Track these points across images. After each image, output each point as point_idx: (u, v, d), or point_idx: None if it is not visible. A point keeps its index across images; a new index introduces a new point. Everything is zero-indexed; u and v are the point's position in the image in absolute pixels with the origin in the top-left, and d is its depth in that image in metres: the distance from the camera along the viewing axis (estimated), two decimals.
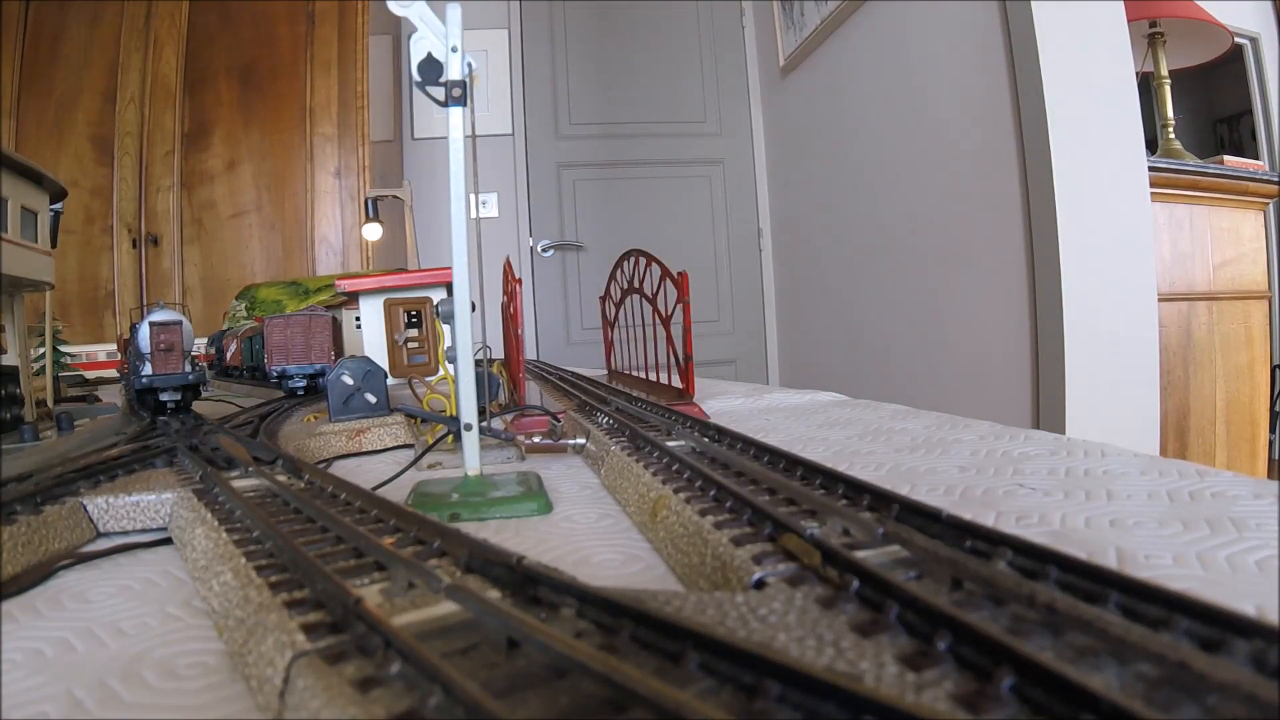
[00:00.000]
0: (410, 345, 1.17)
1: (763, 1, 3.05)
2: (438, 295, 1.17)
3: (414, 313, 1.18)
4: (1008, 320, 1.77)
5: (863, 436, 0.64)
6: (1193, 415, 1.63)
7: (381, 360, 1.09)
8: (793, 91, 2.88)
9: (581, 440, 0.59)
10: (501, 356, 0.91)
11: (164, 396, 0.73)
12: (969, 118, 1.86)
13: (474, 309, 0.50)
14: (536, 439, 0.61)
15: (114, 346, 1.79)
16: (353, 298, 1.19)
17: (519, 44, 3.13)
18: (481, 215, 2.44)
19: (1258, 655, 0.17)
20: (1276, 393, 1.91)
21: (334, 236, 2.67)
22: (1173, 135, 1.86)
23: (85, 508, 0.43)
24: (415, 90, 0.50)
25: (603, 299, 1.12)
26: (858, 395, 0.93)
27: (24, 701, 0.24)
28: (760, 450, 0.43)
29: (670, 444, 0.48)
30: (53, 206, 0.78)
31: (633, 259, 0.95)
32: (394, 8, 0.47)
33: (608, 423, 0.62)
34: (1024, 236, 1.70)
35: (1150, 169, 1.60)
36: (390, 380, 0.96)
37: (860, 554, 0.26)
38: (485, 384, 0.60)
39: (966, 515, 0.27)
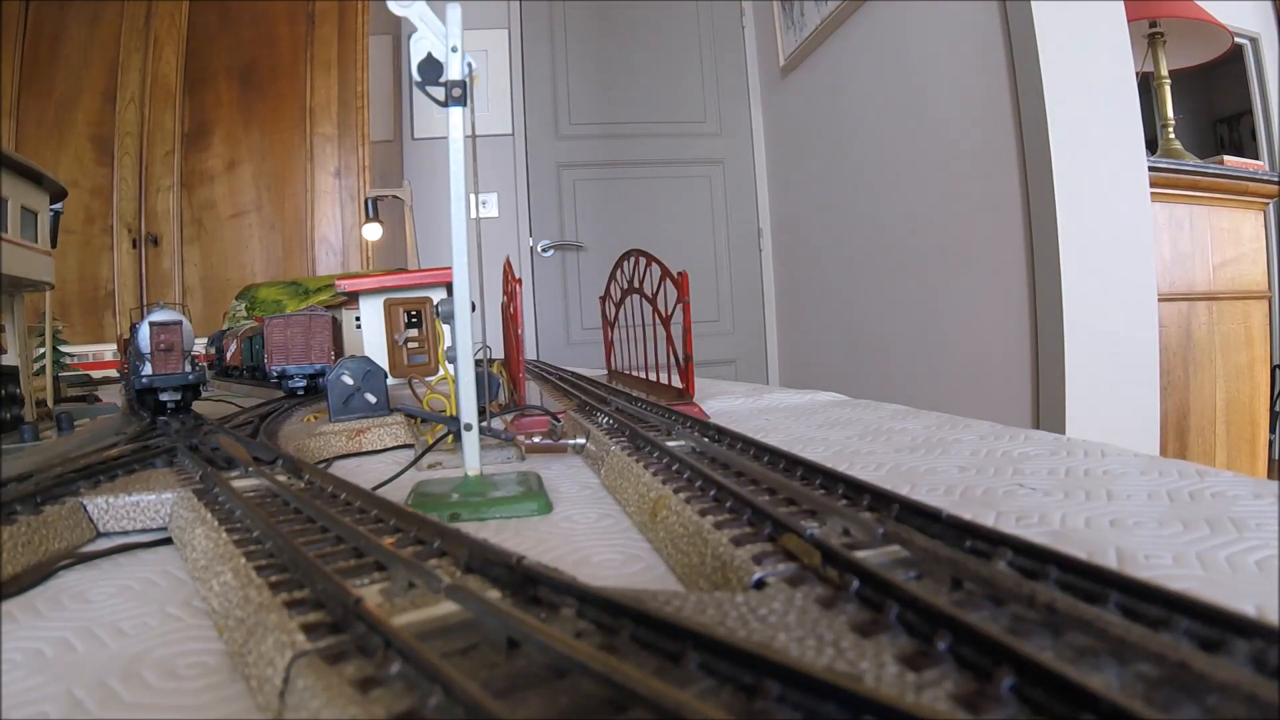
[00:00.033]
0: (410, 345, 1.17)
1: (763, 1, 3.05)
2: (438, 295, 1.17)
3: (414, 313, 1.18)
4: (1008, 320, 1.77)
5: (863, 436, 0.64)
6: (1193, 415, 1.63)
7: (381, 360, 1.09)
8: (793, 91, 2.88)
9: (581, 440, 0.59)
10: (501, 356, 0.91)
11: (164, 396, 0.73)
12: (969, 118, 1.86)
13: (474, 309, 0.50)
14: (536, 439, 0.61)
15: (114, 346, 1.79)
16: (353, 298, 1.19)
17: (519, 44, 3.13)
18: (481, 215, 2.44)
19: (1258, 655, 0.17)
20: (1276, 393, 1.91)
21: (334, 236, 2.67)
22: (1173, 135, 1.86)
23: (85, 508, 0.43)
24: (415, 90, 0.50)
25: (603, 299, 1.12)
26: (858, 395, 0.93)
27: (24, 701, 0.24)
28: (760, 450, 0.43)
29: (670, 444, 0.48)
30: (53, 206, 0.78)
31: (633, 259, 0.95)
32: (394, 8, 0.47)
33: (608, 423, 0.62)
34: (1024, 236, 1.70)
35: (1150, 169, 1.60)
36: (390, 380, 0.96)
37: (860, 554, 0.26)
38: (485, 384, 0.60)
39: (966, 515, 0.27)
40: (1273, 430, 1.85)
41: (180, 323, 0.73)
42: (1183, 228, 1.66)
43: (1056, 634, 0.19)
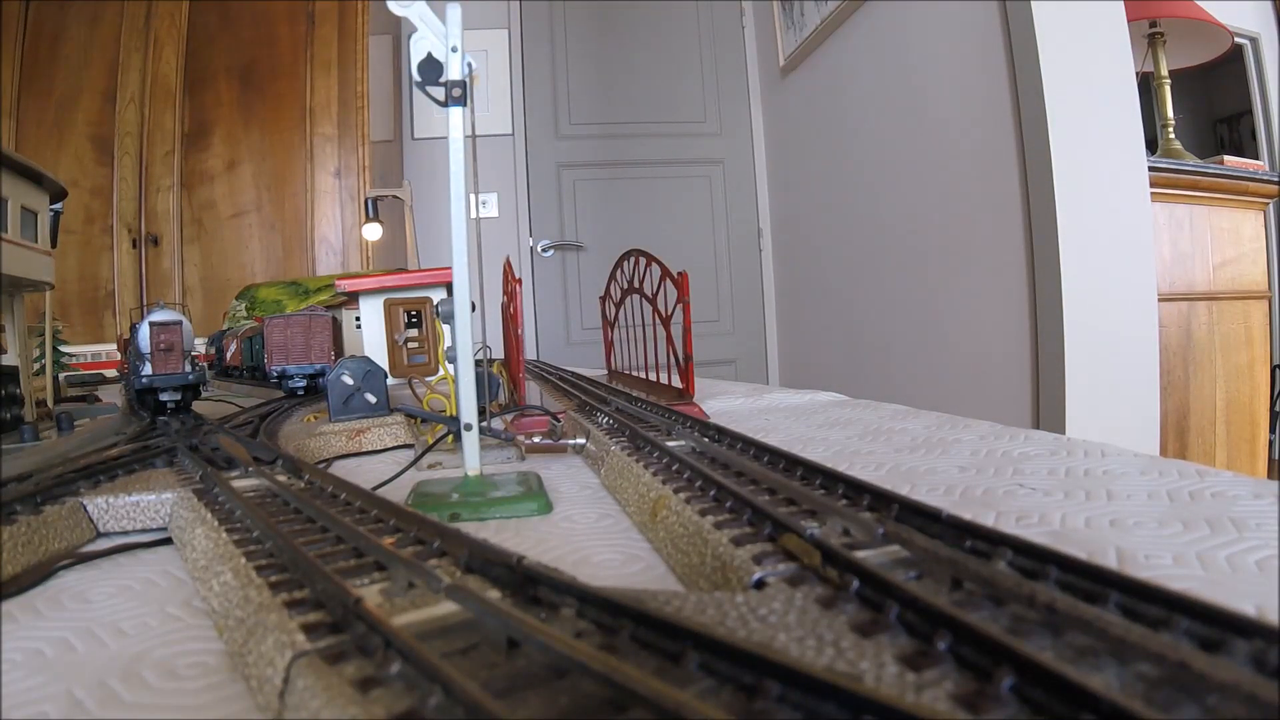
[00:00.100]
0: (410, 345, 1.17)
1: (763, 1, 3.05)
2: (438, 295, 1.17)
3: (414, 313, 1.18)
4: (1008, 320, 1.77)
5: (863, 436, 0.64)
6: (1193, 415, 1.63)
7: (381, 360, 1.09)
8: (793, 91, 2.88)
9: (581, 440, 0.59)
10: (501, 356, 0.91)
11: (164, 396, 0.73)
12: (969, 118, 1.86)
13: (474, 309, 0.50)
14: (536, 439, 0.61)
15: (114, 346, 1.79)
16: (353, 298, 1.19)
17: (519, 44, 3.13)
18: (481, 215, 2.44)
19: (1258, 655, 0.17)
20: (1276, 393, 1.91)
21: (334, 236, 2.67)
22: (1173, 135, 1.86)
23: (85, 508, 0.43)
24: (415, 90, 0.50)
25: (603, 299, 1.12)
26: (858, 395, 0.93)
27: (24, 701, 0.24)
28: (760, 450, 0.43)
29: (670, 444, 0.48)
30: (53, 206, 0.78)
31: (633, 259, 0.95)
32: (394, 8, 0.47)
33: (608, 423, 0.62)
34: (1024, 236, 1.70)
35: (1150, 169, 1.60)
36: (390, 380, 0.96)
37: (860, 554, 0.26)
38: (485, 384, 0.60)
39: (966, 515, 0.27)
40: (1273, 430, 1.85)
41: (180, 323, 0.73)
42: (1183, 228, 1.66)
43: (1056, 634, 0.19)
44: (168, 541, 0.41)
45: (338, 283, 1.21)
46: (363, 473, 0.59)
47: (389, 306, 1.16)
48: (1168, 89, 1.88)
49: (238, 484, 0.43)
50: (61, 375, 1.40)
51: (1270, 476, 0.71)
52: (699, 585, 0.31)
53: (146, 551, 0.40)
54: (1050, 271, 1.60)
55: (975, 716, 0.16)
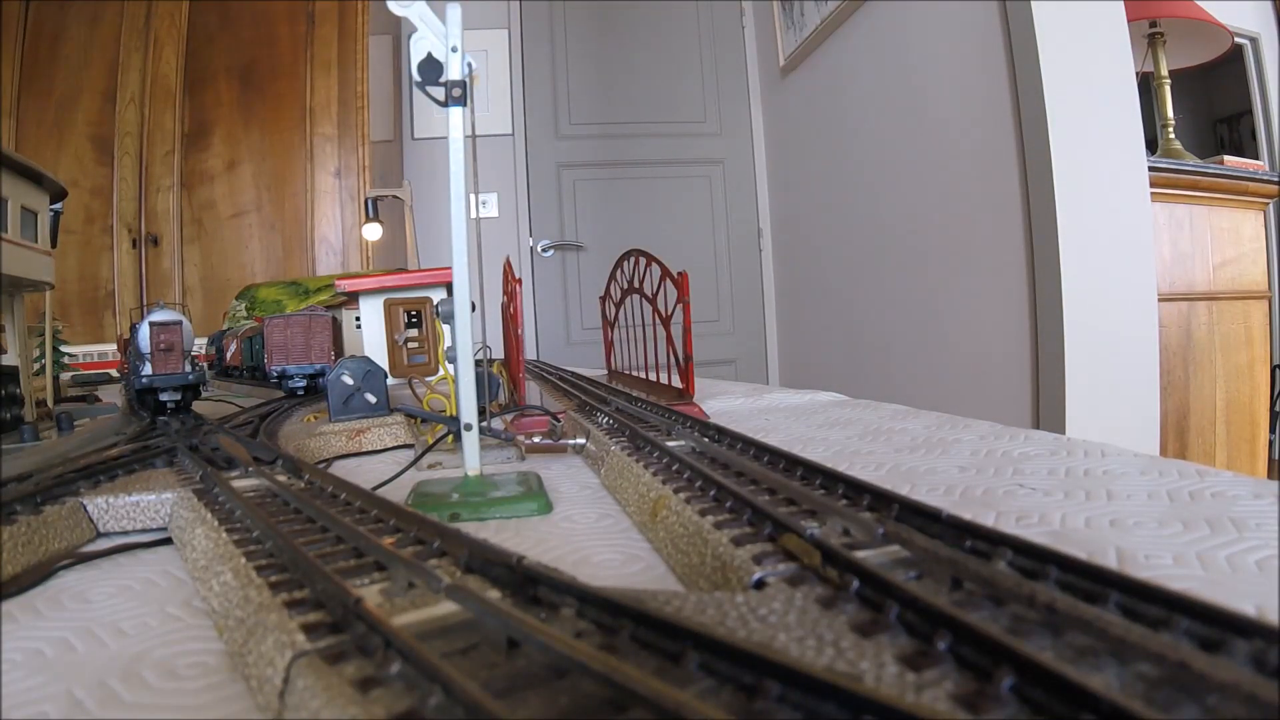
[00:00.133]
0: (410, 345, 1.17)
1: (763, 1, 3.05)
2: (438, 295, 1.17)
3: (414, 313, 1.18)
4: (1008, 320, 1.77)
5: (863, 436, 0.64)
6: (1193, 415, 1.63)
7: (381, 360, 1.09)
8: (793, 91, 2.88)
9: (581, 440, 0.59)
10: (501, 356, 0.91)
11: (164, 396, 0.73)
12: (969, 118, 1.86)
13: (474, 309, 0.50)
14: (536, 439, 0.61)
15: (115, 347, 1.79)
16: (353, 298, 1.19)
17: (519, 44, 3.13)
18: (481, 215, 2.44)
19: (1258, 655, 0.17)
20: (1276, 393, 1.91)
21: (334, 236, 2.67)
22: (1173, 135, 1.86)
23: (85, 508, 0.43)
24: (415, 90, 0.50)
25: (603, 299, 1.12)
26: (858, 395, 0.93)
27: (24, 701, 0.24)
28: (760, 450, 0.43)
29: (670, 444, 0.48)
30: (53, 206, 0.78)
31: (633, 259, 0.95)
32: (394, 8, 0.47)
33: (608, 423, 0.62)
34: (1024, 236, 1.70)
35: (1150, 169, 1.60)
36: (390, 380, 0.96)
37: (860, 554, 0.26)
38: (485, 384, 0.60)
39: (966, 515, 0.27)
40: (1273, 430, 1.85)
41: (180, 323, 0.73)
42: (1183, 228, 1.66)
43: (1056, 634, 0.19)
44: (168, 541, 0.41)
45: (338, 283, 1.21)
46: (363, 473, 0.59)
47: (389, 306, 1.16)
48: (1168, 89, 1.88)
49: (238, 484, 0.43)
50: (65, 375, 1.40)
51: (1270, 476, 0.71)
52: (699, 585, 0.31)
53: (146, 551, 0.40)
54: (1050, 271, 1.60)
55: (975, 716, 0.16)
